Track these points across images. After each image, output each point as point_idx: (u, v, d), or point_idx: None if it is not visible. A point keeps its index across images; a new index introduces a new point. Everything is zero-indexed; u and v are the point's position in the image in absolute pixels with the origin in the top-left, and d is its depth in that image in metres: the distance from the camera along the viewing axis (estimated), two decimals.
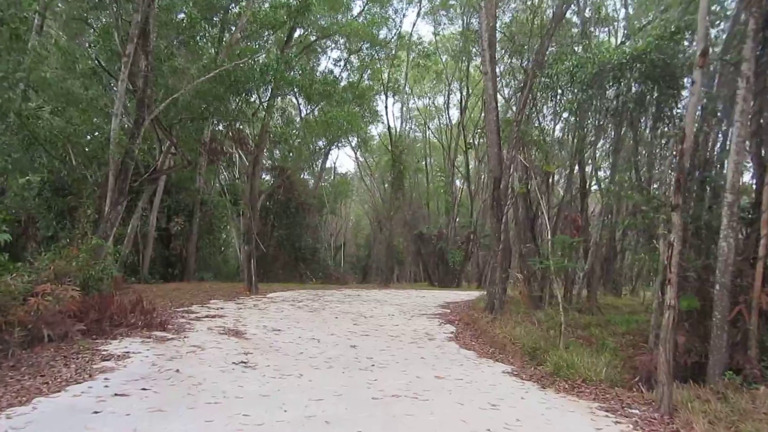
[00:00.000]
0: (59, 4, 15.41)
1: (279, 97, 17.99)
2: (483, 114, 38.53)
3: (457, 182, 43.98)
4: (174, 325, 10.35)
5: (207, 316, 11.93)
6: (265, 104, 16.42)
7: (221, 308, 13.63)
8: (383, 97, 35.22)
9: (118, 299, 10.38)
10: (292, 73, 15.43)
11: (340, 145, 39.46)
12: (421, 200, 43.99)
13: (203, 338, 9.26)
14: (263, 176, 30.09)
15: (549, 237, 10.46)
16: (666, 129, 10.42)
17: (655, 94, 9.64)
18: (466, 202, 40.14)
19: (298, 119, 25.16)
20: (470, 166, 39.64)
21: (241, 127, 17.99)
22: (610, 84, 10.18)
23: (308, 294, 19.20)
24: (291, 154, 23.01)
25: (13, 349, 7.11)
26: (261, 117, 17.13)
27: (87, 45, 14.75)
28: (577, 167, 16.56)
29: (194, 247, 23.42)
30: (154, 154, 17.71)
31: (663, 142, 10.90)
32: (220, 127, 18.79)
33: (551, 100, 14.06)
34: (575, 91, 10.48)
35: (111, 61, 13.77)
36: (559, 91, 12.28)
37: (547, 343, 9.70)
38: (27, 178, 15.37)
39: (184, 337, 9.27)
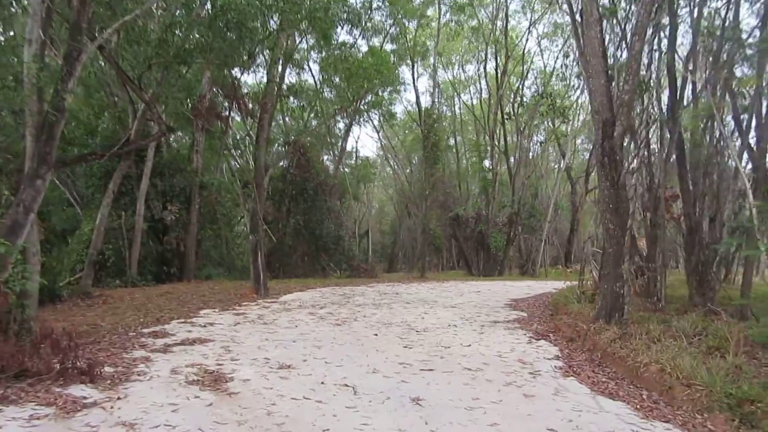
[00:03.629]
0: None
1: (286, 39, 13.82)
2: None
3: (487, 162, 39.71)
4: (117, 366, 6.35)
5: (183, 342, 7.93)
6: (267, 47, 12.21)
7: (211, 324, 9.63)
8: (409, 67, 31.04)
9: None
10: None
11: (362, 120, 35.50)
12: (452, 181, 39.72)
13: (151, 399, 5.22)
14: (280, 162, 26.03)
15: (752, 202, 6.20)
16: None
17: None
18: (504, 179, 35.71)
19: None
20: (508, 140, 35.30)
21: (237, 78, 13.86)
22: None
23: (333, 294, 15.17)
24: (307, 116, 18.73)
25: None
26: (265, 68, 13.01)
27: None
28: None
29: (194, 240, 19.50)
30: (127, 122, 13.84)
31: None
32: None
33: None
34: None
35: None
36: None
37: (752, 386, 5.50)
38: None
39: (118, 397, 5.24)
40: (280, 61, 13.28)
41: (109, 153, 12.75)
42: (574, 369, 7.04)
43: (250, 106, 14.29)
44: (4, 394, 5.08)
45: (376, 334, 8.80)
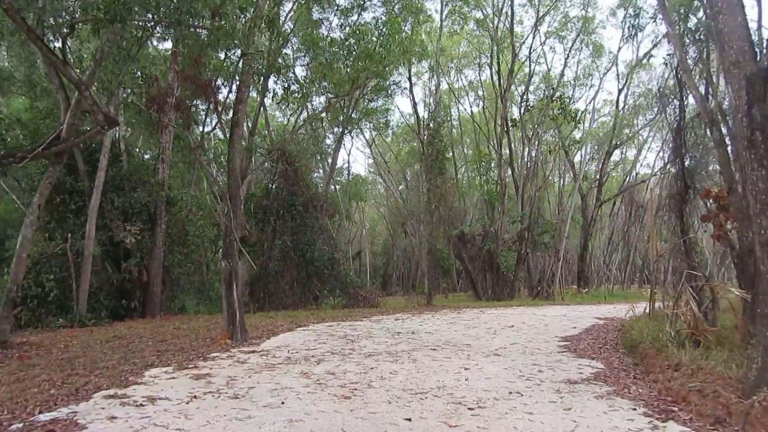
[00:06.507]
0: None
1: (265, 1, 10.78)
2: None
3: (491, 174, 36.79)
4: None
5: None
6: (239, 6, 9.20)
7: (152, 399, 6.33)
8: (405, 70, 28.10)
9: None
10: None
11: (354, 132, 32.72)
12: (452, 195, 36.78)
13: None
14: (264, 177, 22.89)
15: None
16: None
17: None
18: (510, 192, 32.73)
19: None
20: (512, 149, 32.52)
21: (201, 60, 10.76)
22: None
23: (330, 335, 11.91)
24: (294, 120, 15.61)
25: None
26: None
27: None
28: None
29: (160, 267, 16.18)
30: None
31: None
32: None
33: None
34: None
35: None
36: None
37: None
38: None
39: None
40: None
41: (32, 155, 9.58)
42: None
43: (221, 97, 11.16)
44: None
45: (410, 419, 5.53)
